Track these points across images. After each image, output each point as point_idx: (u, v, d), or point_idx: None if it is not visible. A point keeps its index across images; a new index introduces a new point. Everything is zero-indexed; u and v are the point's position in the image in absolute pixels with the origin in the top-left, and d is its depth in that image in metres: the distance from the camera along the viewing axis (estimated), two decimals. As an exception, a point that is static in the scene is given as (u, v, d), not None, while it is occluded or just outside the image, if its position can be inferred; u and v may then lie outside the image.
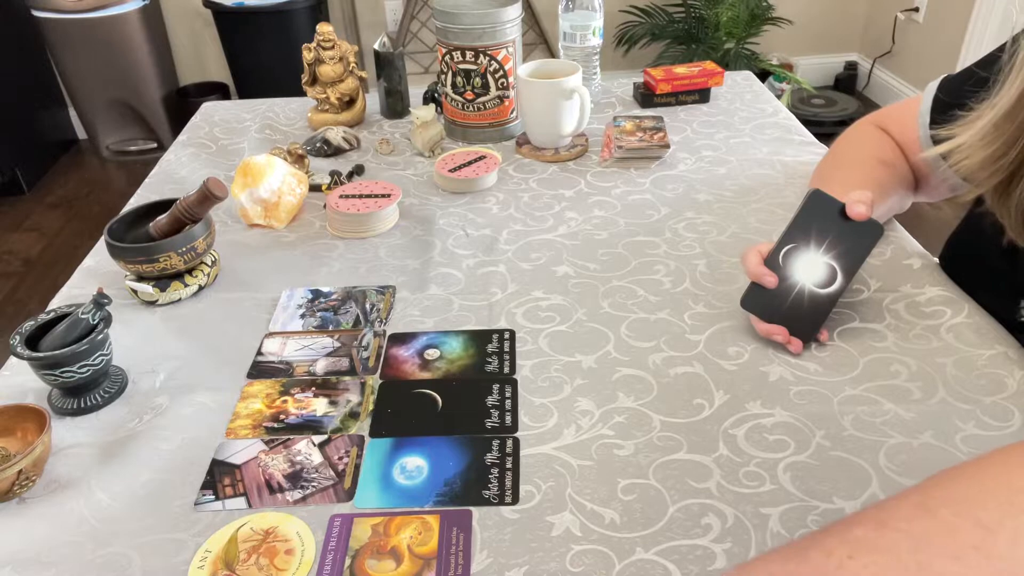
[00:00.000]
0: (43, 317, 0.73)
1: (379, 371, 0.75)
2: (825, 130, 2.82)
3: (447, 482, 0.63)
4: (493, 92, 1.16)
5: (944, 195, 0.91)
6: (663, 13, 3.08)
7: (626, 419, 0.68)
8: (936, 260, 0.87)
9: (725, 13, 2.87)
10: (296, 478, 0.64)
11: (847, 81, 3.35)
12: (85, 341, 0.68)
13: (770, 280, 0.74)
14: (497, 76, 1.15)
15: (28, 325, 0.71)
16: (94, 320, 0.70)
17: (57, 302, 0.85)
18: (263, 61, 2.89)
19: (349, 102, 1.27)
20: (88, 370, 0.69)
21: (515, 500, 0.61)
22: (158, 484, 0.63)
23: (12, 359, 0.75)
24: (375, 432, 0.68)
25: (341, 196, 0.99)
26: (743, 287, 0.76)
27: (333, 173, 1.09)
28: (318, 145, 1.17)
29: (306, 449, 0.66)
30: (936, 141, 0.72)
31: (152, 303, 0.85)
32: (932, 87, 0.85)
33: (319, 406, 0.71)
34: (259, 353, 0.78)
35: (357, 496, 0.62)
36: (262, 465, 0.65)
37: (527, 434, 0.67)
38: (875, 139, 0.91)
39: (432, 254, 0.93)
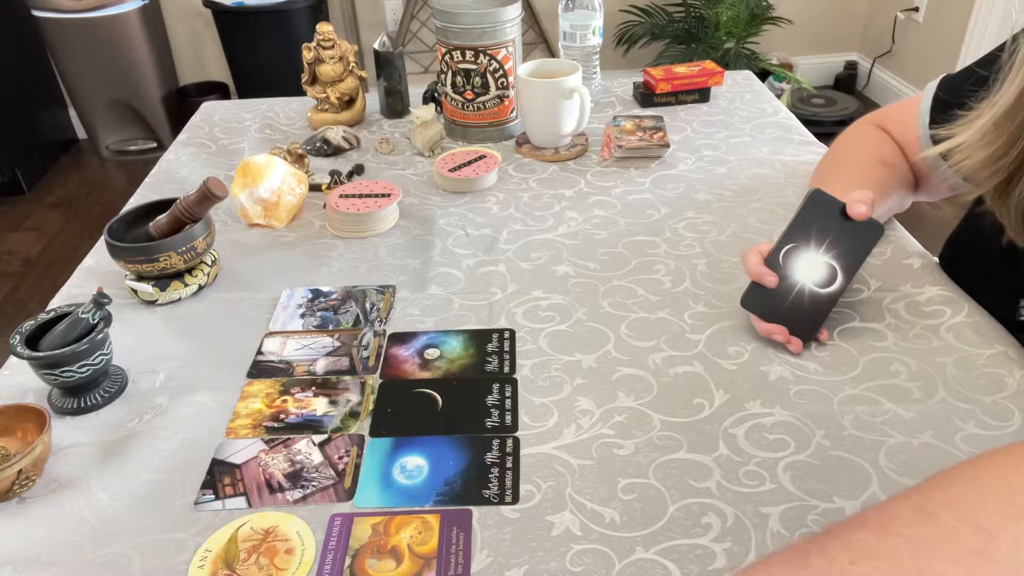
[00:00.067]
0: (43, 317, 0.73)
1: (379, 371, 0.75)
2: (825, 130, 2.82)
3: (447, 481, 0.63)
4: (493, 92, 1.16)
5: (944, 195, 0.91)
6: (663, 13, 3.08)
7: (626, 418, 0.68)
8: (936, 260, 0.87)
9: (725, 13, 2.87)
10: (296, 478, 0.64)
11: (847, 81, 3.35)
12: (85, 341, 0.68)
13: (770, 280, 0.74)
14: (497, 76, 1.15)
15: (28, 325, 0.71)
16: (94, 320, 0.70)
17: (57, 302, 0.85)
18: (263, 61, 2.89)
19: (349, 102, 1.27)
20: (88, 370, 0.69)
21: (515, 499, 0.61)
22: (158, 484, 0.63)
23: (12, 359, 0.75)
24: (375, 432, 0.68)
25: (341, 196, 0.99)
26: (743, 287, 0.76)
27: (333, 173, 1.09)
28: (318, 145, 1.17)
29: (306, 449, 0.66)
30: (936, 141, 0.72)
31: (152, 303, 0.85)
32: (932, 86, 0.85)
33: (319, 406, 0.71)
34: (259, 353, 0.78)
35: (357, 496, 0.62)
36: (262, 465, 0.65)
37: (527, 433, 0.67)
38: (875, 139, 0.91)
39: (432, 254, 0.93)
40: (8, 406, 0.66)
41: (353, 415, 0.70)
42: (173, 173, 1.15)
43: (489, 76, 1.15)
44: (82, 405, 0.71)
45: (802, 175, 1.05)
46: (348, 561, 0.56)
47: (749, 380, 0.71)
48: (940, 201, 0.94)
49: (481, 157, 1.09)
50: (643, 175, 1.09)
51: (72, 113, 3.18)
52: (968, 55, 2.70)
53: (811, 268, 0.74)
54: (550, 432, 0.67)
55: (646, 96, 1.29)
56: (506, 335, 0.78)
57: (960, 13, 2.72)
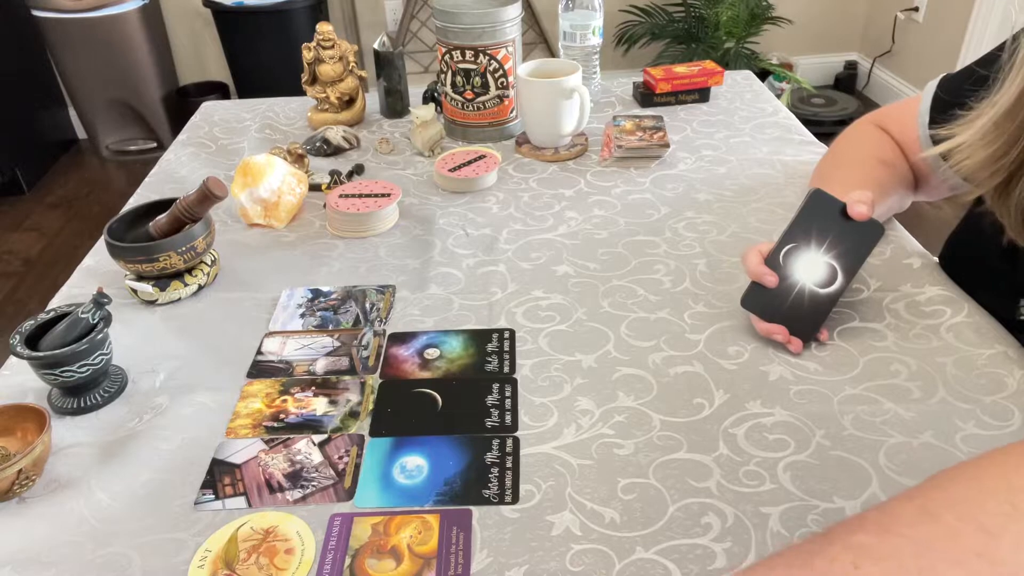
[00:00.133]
0: (43, 317, 0.73)
1: (379, 370, 0.75)
2: (825, 129, 2.82)
3: (447, 481, 0.63)
4: (493, 91, 1.16)
5: (944, 194, 0.91)
6: (663, 12, 3.08)
7: (626, 418, 0.68)
8: (936, 260, 0.87)
9: (725, 12, 2.87)
10: (296, 477, 0.64)
11: (847, 81, 3.35)
12: (85, 341, 0.68)
13: (770, 279, 0.74)
14: (497, 75, 1.15)
15: (28, 325, 0.71)
16: (94, 320, 0.70)
17: (57, 302, 0.85)
18: (263, 61, 2.89)
19: (349, 101, 1.27)
20: (88, 369, 0.69)
21: (515, 499, 0.61)
22: (158, 484, 0.63)
23: (12, 359, 0.75)
24: (375, 431, 0.68)
25: (341, 195, 0.99)
26: (743, 287, 0.76)
27: (333, 172, 1.09)
28: (318, 144, 1.17)
29: (306, 448, 0.66)
30: (936, 141, 0.72)
31: (152, 303, 0.85)
32: (932, 86, 0.85)
33: (319, 405, 0.71)
34: (259, 352, 0.78)
35: (357, 495, 0.62)
36: (262, 464, 0.65)
37: (527, 433, 0.67)
38: (875, 138, 0.91)
39: (432, 254, 0.93)
40: (8, 406, 0.66)
41: (353, 415, 0.70)
42: (173, 173, 1.15)
43: (489, 76, 1.15)
44: (82, 405, 0.71)
45: (802, 175, 1.05)
46: (348, 561, 0.56)
47: (749, 380, 0.71)
48: (940, 201, 0.94)
49: (481, 157, 1.09)
50: (643, 175, 1.09)
51: (72, 113, 3.18)
52: (968, 55, 2.70)
53: (811, 268, 0.74)
54: (550, 432, 0.67)
55: (646, 96, 1.29)
56: (506, 335, 0.78)
57: (960, 13, 2.72)
